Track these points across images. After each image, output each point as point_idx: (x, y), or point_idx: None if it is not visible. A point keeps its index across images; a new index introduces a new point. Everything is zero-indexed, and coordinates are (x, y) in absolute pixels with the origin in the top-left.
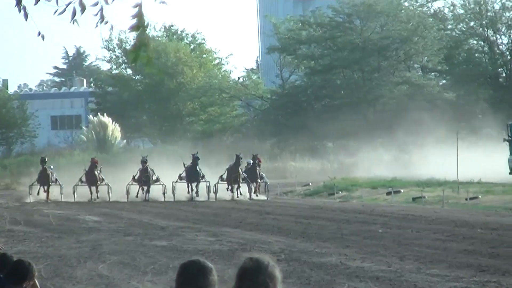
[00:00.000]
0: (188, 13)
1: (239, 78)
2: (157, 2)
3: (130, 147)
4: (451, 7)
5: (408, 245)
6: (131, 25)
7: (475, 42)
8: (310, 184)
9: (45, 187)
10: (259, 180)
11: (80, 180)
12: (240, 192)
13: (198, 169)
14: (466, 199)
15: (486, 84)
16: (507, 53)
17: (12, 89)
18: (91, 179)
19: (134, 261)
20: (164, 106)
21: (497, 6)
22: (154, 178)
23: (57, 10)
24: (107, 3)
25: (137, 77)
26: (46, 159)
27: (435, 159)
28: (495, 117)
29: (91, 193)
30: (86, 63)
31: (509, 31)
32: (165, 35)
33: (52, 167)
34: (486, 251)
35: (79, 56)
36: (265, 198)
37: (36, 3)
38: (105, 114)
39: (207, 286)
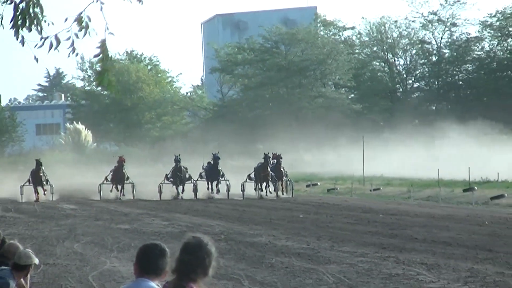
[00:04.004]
0: (146, 39)
1: (187, 93)
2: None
3: (100, 149)
4: (358, 35)
5: (324, 228)
6: (95, 54)
7: (377, 63)
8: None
9: (38, 188)
10: (284, 178)
11: (106, 178)
12: (270, 191)
13: (218, 168)
14: (371, 190)
15: (386, 97)
16: (403, 72)
17: (4, 102)
18: (119, 178)
19: (103, 241)
20: (127, 116)
21: (395, 34)
22: (187, 176)
23: (37, 44)
24: (77, 37)
25: (105, 92)
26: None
27: (346, 158)
28: (393, 124)
29: (118, 190)
30: (64, 81)
31: (404, 54)
32: (127, 58)
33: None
34: (387, 232)
35: (59, 75)
36: (290, 196)
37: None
38: (79, 122)
39: (165, 265)
